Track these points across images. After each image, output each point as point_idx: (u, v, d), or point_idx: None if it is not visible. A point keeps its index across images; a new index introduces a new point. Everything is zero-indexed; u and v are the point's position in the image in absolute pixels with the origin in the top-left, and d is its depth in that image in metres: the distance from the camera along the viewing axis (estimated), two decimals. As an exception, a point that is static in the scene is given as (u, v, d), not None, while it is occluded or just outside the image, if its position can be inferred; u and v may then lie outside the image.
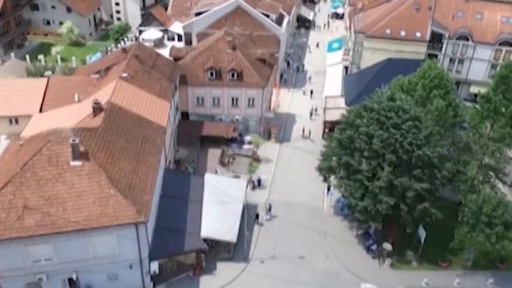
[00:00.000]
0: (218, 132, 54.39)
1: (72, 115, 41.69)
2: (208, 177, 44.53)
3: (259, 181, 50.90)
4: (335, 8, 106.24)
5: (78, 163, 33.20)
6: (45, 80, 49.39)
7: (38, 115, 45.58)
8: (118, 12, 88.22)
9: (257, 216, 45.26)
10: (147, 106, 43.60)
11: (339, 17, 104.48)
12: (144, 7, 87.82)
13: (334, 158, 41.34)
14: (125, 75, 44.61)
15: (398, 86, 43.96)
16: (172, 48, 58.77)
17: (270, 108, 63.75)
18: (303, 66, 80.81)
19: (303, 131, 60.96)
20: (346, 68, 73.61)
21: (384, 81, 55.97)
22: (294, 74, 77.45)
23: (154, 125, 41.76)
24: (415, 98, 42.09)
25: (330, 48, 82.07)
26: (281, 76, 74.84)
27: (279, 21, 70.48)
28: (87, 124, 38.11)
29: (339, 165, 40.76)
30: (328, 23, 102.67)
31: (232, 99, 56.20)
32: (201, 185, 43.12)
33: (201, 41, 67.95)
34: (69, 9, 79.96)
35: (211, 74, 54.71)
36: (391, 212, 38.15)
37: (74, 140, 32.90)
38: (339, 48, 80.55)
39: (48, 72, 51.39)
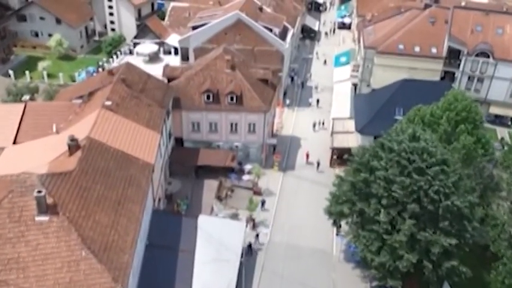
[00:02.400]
0: (215, 162, 49.16)
1: (48, 150, 36.52)
2: (203, 220, 39.18)
3: (263, 202, 46.65)
4: (342, 17, 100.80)
5: (44, 218, 27.93)
6: (21, 106, 44.24)
7: (11, 148, 40.39)
8: (112, 22, 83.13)
9: (250, 246, 40.77)
10: (134, 139, 38.37)
11: (345, 26, 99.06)
12: (139, 17, 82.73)
13: (346, 203, 35.93)
14: (108, 103, 39.43)
15: (418, 118, 38.54)
16: (166, 67, 53.61)
17: (273, 130, 58.50)
18: (310, 75, 76.40)
19: (307, 156, 55.71)
20: (355, 85, 68.30)
21: (398, 105, 51.08)
22: (298, 91, 72.08)
23: (141, 162, 36.50)
24: (438, 132, 36.72)
25: (337, 63, 76.75)
26: (284, 93, 69.52)
27: (283, 35, 65.26)
28: (61, 165, 32.94)
29: (351, 212, 35.40)
30: (334, 30, 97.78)
31: (231, 124, 50.98)
32: (193, 230, 37.82)
33: (198, 56, 62.82)
34: (58, 21, 74.77)
35: (208, 97, 49.51)
36: (413, 270, 32.75)
37: (39, 192, 27.64)
38: (347, 62, 75.24)
39: (26, 97, 46.16)
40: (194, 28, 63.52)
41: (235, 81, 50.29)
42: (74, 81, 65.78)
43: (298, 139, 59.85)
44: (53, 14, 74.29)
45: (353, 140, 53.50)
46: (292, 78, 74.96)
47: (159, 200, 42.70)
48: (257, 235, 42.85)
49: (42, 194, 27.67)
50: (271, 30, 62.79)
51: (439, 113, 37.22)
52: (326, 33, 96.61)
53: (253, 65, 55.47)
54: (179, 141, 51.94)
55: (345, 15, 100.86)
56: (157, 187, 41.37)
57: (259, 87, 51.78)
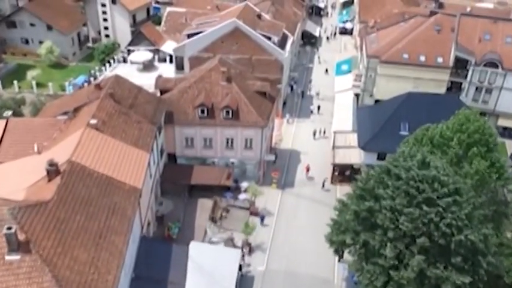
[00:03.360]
0: (210, 180, 46.42)
1: (27, 172, 33.93)
2: (194, 247, 36.43)
3: (262, 218, 44.61)
4: (343, 22, 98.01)
5: (15, 257, 25.19)
6: (2, 122, 41.51)
7: (-12, 170, 37.70)
8: (106, 28, 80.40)
9: (240, 267, 38.53)
10: (120, 161, 35.65)
11: (347, 32, 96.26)
12: (134, 23, 79.99)
13: (348, 232, 33.14)
14: (93, 121, 36.69)
15: (427, 139, 35.73)
16: (159, 78, 50.86)
17: (271, 144, 55.78)
18: (310, 80, 73.89)
19: (307, 170, 53.04)
20: (357, 95, 65.52)
21: (404, 119, 48.39)
22: (298, 101, 69.30)
23: (127, 187, 33.76)
24: (449, 155, 33.93)
25: (339, 71, 73.99)
26: (284, 103, 66.76)
27: (282, 43, 62.48)
28: (39, 191, 30.36)
29: (355, 242, 32.60)
30: (335, 33, 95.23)
31: (227, 140, 48.26)
32: (184, 259, 35.08)
33: (194, 65, 60.07)
34: (49, 27, 72.06)
35: (202, 112, 46.79)
36: (422, 308, 29.98)
37: (9, 228, 24.92)
38: (349, 71, 72.49)
39: (8, 113, 43.40)
40: (189, 36, 60.77)
41: (231, 94, 47.59)
42: (64, 90, 63.06)
43: (298, 153, 57.08)
44: (43, 21, 71.58)
45: (356, 156, 50.79)
46: (292, 87, 72.20)
47: (148, 224, 39.97)
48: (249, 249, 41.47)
49: (13, 230, 24.93)
50: (270, 38, 60.03)
51: (450, 135, 34.42)
52: (327, 38, 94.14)
53: (250, 77, 52.68)
54: (172, 158, 49.22)
55: (347, 20, 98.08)
56: (146, 211, 38.64)
57: (256, 100, 49.06)
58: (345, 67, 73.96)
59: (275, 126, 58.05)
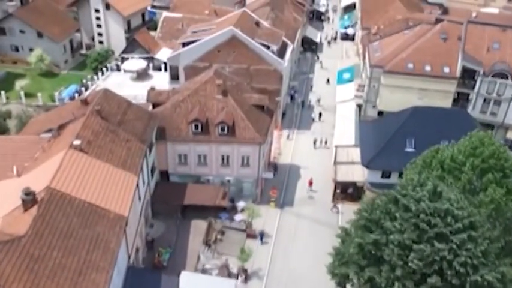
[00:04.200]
0: (204, 201, 43.79)
1: (4, 198, 31.34)
2: (186, 278, 33.77)
3: (261, 235, 42.39)
4: (345, 27, 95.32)
5: (-20, 304, 22.69)
6: (-19, 141, 38.98)
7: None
8: (100, 35, 77.79)
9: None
10: (105, 186, 33.02)
11: (349, 37, 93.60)
12: (129, 29, 77.36)
13: (352, 264, 30.45)
14: (77, 142, 34.04)
15: (437, 163, 33.04)
16: (151, 91, 48.18)
17: (269, 158, 53.20)
18: (311, 87, 72.07)
19: (310, 183, 50.64)
20: (359, 106, 62.85)
21: (409, 136, 45.79)
22: (298, 112, 66.62)
23: (111, 216, 31.11)
24: (461, 181, 31.26)
25: (340, 79, 71.32)
26: (283, 114, 64.09)
27: (282, 52, 59.84)
28: (13, 223, 27.76)
29: (359, 277, 29.92)
30: (336, 38, 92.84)
31: (223, 157, 45.63)
32: (174, 292, 32.47)
33: (189, 75, 57.58)
34: (40, 34, 69.41)
35: (196, 127, 44.18)
36: None
37: (-27, 273, 22.38)
38: (351, 79, 69.82)
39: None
40: (184, 45, 58.14)
41: (227, 108, 44.97)
42: (53, 101, 60.43)
43: (298, 167, 54.45)
44: (33, 28, 68.91)
45: (359, 173, 48.13)
46: (292, 97, 69.53)
47: (137, 250, 37.32)
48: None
49: (-23, 275, 22.35)
50: (268, 47, 57.44)
51: (462, 159, 31.72)
52: (328, 42, 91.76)
53: (247, 89, 50.04)
54: (164, 175, 46.59)
55: (348, 26, 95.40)
56: (134, 238, 35.97)
57: (254, 114, 46.43)
58: (346, 75, 71.31)
59: (274, 139, 55.46)
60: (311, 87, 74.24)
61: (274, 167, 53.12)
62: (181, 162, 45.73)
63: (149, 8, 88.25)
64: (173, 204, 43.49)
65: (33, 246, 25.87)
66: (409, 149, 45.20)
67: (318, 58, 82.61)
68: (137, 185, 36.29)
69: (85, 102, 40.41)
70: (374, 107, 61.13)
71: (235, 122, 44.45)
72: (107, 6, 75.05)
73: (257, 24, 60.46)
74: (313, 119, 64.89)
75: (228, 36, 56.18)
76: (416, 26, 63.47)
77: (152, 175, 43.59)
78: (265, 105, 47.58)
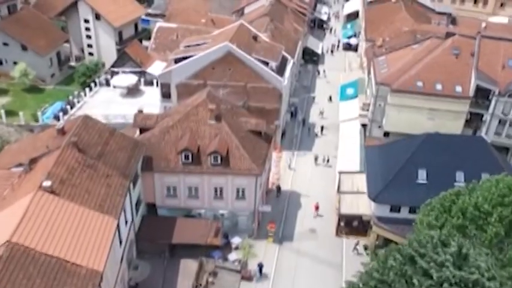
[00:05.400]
0: (194, 238, 39.73)
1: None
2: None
3: (260, 268, 39.30)
4: (348, 37, 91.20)
5: None
6: None
7: None
8: (90, 46, 73.74)
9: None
10: (78, 235, 28.98)
11: (351, 48, 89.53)
12: (121, 41, 73.25)
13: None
14: (47, 183, 30.00)
15: (457, 210, 28.89)
16: (138, 115, 44.08)
17: (268, 185, 49.17)
18: (313, 97, 69.20)
19: (316, 208, 47.28)
20: (364, 125, 58.68)
21: (421, 166, 41.74)
22: (299, 130, 62.48)
23: (83, 272, 27.03)
24: (487, 234, 27.13)
25: (343, 95, 67.15)
26: (283, 134, 59.92)
27: (281, 68, 55.70)
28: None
29: None
30: (338, 46, 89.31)
31: (215, 189, 41.52)
32: None
33: (182, 93, 53.69)
34: (24, 47, 65.28)
35: (187, 157, 40.06)
36: None
37: None
38: (355, 95, 65.66)
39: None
40: (177, 61, 54.03)
41: (221, 135, 40.88)
42: (36, 121, 56.33)
43: (298, 195, 50.35)
44: (17, 40, 64.77)
45: (365, 205, 43.94)
46: (292, 114, 65.41)
47: (118, 301, 33.22)
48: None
49: None
50: (267, 64, 53.34)
51: (488, 208, 27.62)
52: (331, 51, 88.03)
53: (243, 112, 45.94)
54: (152, 207, 42.46)
55: (351, 36, 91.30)
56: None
57: (250, 141, 42.33)
58: (350, 91, 67.13)
59: (273, 162, 51.31)
60: (313, 98, 70.84)
61: (277, 188, 49.98)
62: (170, 194, 41.63)
63: (144, 16, 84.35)
64: (160, 242, 39.37)
65: (-16, 322, 21.83)
66: (420, 181, 41.18)
67: (319, 73, 78.33)
68: (118, 228, 32.29)
69: (62, 131, 36.31)
70: (380, 127, 56.97)
71: (230, 150, 40.37)
72: (97, 17, 71.01)
73: (255, 38, 56.40)
74: (316, 134, 61.74)
75: (223, 52, 52.10)
76: (425, 40, 59.30)
77: (137, 210, 39.51)
78: (262, 131, 43.46)
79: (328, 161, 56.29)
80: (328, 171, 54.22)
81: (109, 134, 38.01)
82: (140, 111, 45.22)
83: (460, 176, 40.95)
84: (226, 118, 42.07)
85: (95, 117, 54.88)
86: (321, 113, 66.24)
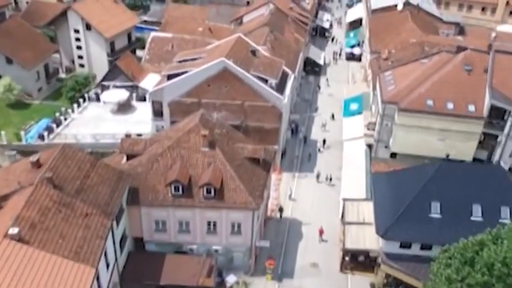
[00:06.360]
0: (185, 279, 36.09)
1: None
2: None
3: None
4: (351, 47, 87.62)
5: None
6: None
7: None
8: (80, 57, 70.18)
9: None
10: (48, 289, 25.35)
11: (355, 57, 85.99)
12: (113, 52, 69.67)
13: None
14: (13, 231, 26.36)
15: (482, 264, 25.23)
16: (125, 141, 40.45)
17: (266, 213, 45.58)
18: (316, 109, 66.75)
19: (321, 233, 44.29)
20: (369, 146, 55.03)
21: (434, 198, 38.05)
22: (300, 149, 58.82)
23: None
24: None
25: (347, 111, 63.57)
26: (283, 153, 56.27)
27: (281, 84, 52.08)
28: None
29: None
30: (340, 54, 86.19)
31: (209, 223, 37.90)
32: None
33: (175, 111, 50.57)
34: (9, 60, 61.74)
35: (177, 189, 36.43)
36: None
37: None
38: (359, 111, 62.05)
39: None
40: (169, 77, 50.45)
41: (215, 164, 37.28)
42: (20, 140, 52.75)
43: (299, 224, 46.73)
44: (1, 53, 61.19)
45: (372, 239, 40.22)
46: (293, 131, 61.76)
47: None
48: None
49: None
50: (266, 81, 49.76)
51: (518, 265, 24.10)
52: (335, 59, 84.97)
53: (239, 137, 42.28)
54: (139, 242, 38.82)
55: (354, 45, 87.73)
56: None
57: (247, 170, 38.69)
58: (354, 106, 63.55)
59: (272, 186, 47.67)
60: (316, 109, 68.23)
61: (279, 209, 46.92)
62: (159, 228, 38.01)
63: (139, 24, 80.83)
64: (148, 283, 35.74)
65: None
66: (434, 215, 37.52)
67: (319, 88, 74.57)
68: (97, 277, 28.68)
69: (37, 164, 32.59)
70: (386, 147, 53.33)
71: (224, 181, 36.74)
72: (88, 27, 67.45)
73: (253, 52, 52.80)
74: (318, 149, 58.83)
75: (219, 69, 48.54)
76: (434, 55, 55.68)
77: (122, 248, 35.85)
78: (260, 158, 39.82)
79: (331, 179, 53.16)
80: (331, 195, 50.60)
81: (90, 166, 34.32)
82: (128, 136, 41.72)
83: (477, 209, 37.41)
84: (220, 144, 38.48)
85: (82, 137, 52.77)
86: (324, 125, 63.32)
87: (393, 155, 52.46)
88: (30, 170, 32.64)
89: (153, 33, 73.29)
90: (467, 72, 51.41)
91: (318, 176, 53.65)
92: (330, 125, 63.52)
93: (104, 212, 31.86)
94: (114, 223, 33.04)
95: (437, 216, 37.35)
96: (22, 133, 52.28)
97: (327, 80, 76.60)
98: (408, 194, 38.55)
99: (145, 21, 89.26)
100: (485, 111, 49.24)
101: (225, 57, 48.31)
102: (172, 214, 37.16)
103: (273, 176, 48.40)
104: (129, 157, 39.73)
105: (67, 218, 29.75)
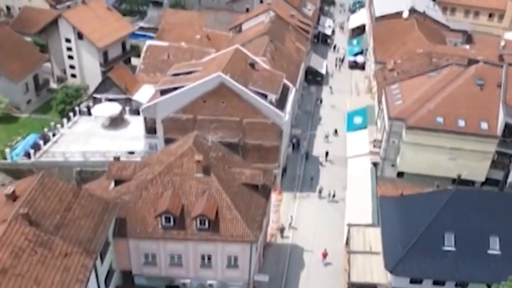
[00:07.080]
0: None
1: None
2: None
3: None
4: (354, 55, 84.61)
5: None
6: None
7: None
8: (72, 67, 67.26)
9: None
10: None
11: (358, 65, 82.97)
12: (106, 61, 66.70)
13: None
14: (-19, 280, 23.42)
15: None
16: (112, 165, 37.46)
17: (266, 239, 42.60)
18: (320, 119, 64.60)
19: (324, 256, 41.79)
20: (375, 164, 51.97)
21: (448, 229, 35.45)
22: (301, 167, 55.80)
23: None
24: None
25: (351, 125, 60.48)
26: (283, 171, 53.26)
27: (282, 100, 49.05)
28: None
29: None
30: (342, 60, 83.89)
31: (203, 256, 34.89)
32: None
33: (169, 128, 47.89)
34: (-4, 72, 59.11)
35: (168, 220, 33.44)
36: None
37: None
38: (364, 125, 59.00)
39: None
40: (163, 93, 47.49)
41: (209, 192, 34.31)
42: (5, 158, 49.75)
43: (301, 250, 43.71)
44: (-12, 65, 58.51)
45: (380, 270, 37.14)
46: (294, 146, 58.76)
47: None
48: None
49: None
50: (266, 96, 46.78)
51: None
52: (337, 66, 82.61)
53: (236, 161, 39.31)
54: (128, 275, 35.80)
55: (358, 53, 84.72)
56: None
57: (244, 198, 35.70)
58: (358, 120, 60.49)
59: (272, 207, 44.65)
60: (319, 119, 65.77)
61: (281, 230, 44.91)
62: (149, 262, 35.03)
63: (136, 32, 77.94)
64: (135, 324, 32.81)
65: None
66: (447, 248, 34.58)
67: (321, 102, 71.38)
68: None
69: (12, 196, 29.57)
70: (393, 166, 50.38)
71: (220, 212, 33.78)
72: (80, 36, 64.51)
73: (252, 65, 49.78)
74: (320, 163, 56.34)
75: (215, 84, 45.61)
76: (443, 68, 52.66)
77: (107, 285, 32.80)
78: (259, 184, 36.83)
79: (334, 196, 50.43)
80: (334, 218, 47.56)
81: (72, 196, 31.31)
82: (116, 159, 38.79)
83: (494, 242, 34.55)
84: (216, 170, 35.54)
85: (70, 155, 49.77)
86: (326, 136, 60.85)
87: (400, 174, 49.66)
88: (5, 203, 29.57)
89: (148, 42, 70.39)
90: (480, 87, 48.44)
91: (320, 192, 50.98)
92: (332, 139, 60.76)
93: (86, 250, 28.87)
94: (98, 260, 30.08)
95: (451, 249, 34.48)
96: (7, 150, 49.27)
97: (331, 87, 73.90)
98: (419, 224, 35.57)
99: (142, 28, 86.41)
100: (499, 129, 46.24)
101: (222, 71, 45.36)
102: (163, 247, 34.17)
103: (273, 196, 45.41)
104: (117, 182, 36.77)
105: (43, 260, 26.77)
